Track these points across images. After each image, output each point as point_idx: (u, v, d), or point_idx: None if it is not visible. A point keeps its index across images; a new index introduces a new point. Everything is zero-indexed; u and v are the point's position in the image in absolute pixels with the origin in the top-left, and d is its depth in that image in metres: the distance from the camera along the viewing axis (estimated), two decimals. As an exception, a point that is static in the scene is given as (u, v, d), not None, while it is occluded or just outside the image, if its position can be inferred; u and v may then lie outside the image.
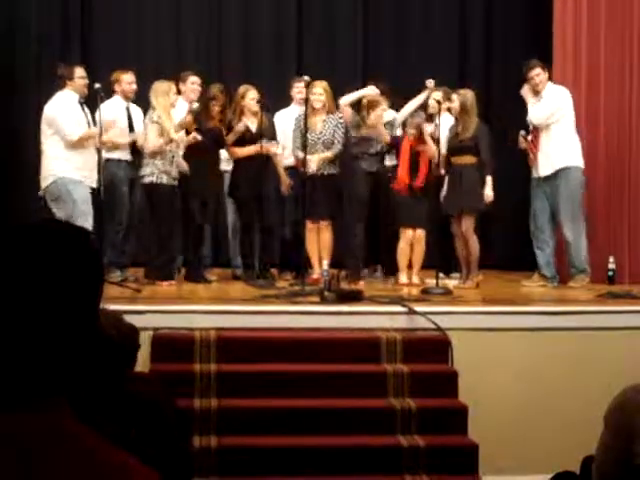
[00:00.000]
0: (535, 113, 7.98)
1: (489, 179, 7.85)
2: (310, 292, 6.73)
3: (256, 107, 8.09)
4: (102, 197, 7.51)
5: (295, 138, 8.22)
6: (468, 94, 8.02)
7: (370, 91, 8.32)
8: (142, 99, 8.09)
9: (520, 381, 5.97)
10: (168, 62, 9.72)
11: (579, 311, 6.39)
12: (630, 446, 2.65)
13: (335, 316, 6.13)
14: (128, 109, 8.28)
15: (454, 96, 8.13)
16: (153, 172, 7.59)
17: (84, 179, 7.56)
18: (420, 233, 7.94)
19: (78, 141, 7.55)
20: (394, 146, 8.14)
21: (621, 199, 8.40)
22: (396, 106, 8.48)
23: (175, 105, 7.95)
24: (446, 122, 8.15)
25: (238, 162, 8.17)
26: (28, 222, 1.24)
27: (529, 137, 8.13)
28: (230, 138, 8.06)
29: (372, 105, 8.17)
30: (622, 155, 8.41)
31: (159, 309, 6.08)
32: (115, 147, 8.06)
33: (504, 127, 8.75)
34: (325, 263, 7.39)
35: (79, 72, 7.78)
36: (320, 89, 8.07)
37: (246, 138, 8.05)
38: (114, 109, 8.10)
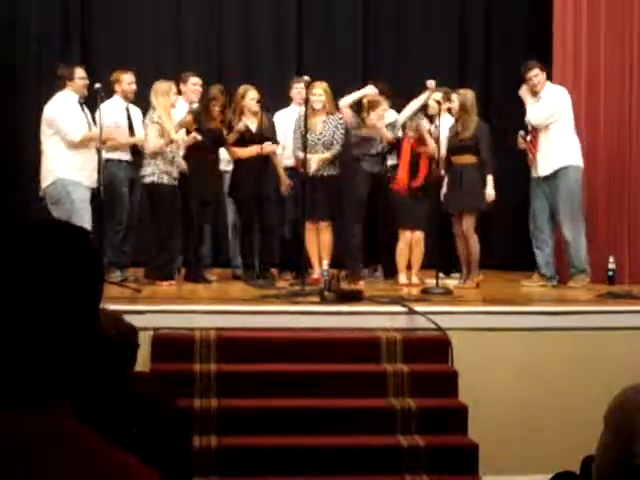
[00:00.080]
0: (534, 114, 7.98)
1: (490, 178, 7.85)
2: (310, 292, 6.73)
3: (256, 107, 8.09)
4: (102, 197, 7.50)
5: (295, 139, 8.22)
6: (468, 94, 8.02)
7: (369, 91, 8.32)
8: (142, 99, 8.09)
9: (520, 381, 5.97)
10: (168, 62, 9.72)
11: (579, 311, 6.39)
12: (630, 446, 2.65)
13: (335, 316, 6.13)
14: (128, 109, 8.28)
15: (454, 96, 8.14)
16: (154, 172, 7.59)
17: (84, 179, 7.56)
18: (419, 235, 7.94)
19: (80, 142, 7.55)
20: (395, 146, 8.13)
21: (621, 199, 8.40)
22: (396, 107, 8.48)
23: (175, 105, 7.95)
24: (446, 123, 8.15)
25: (238, 162, 8.17)
26: (28, 222, 1.24)
27: (528, 137, 8.13)
28: (231, 138, 8.06)
29: (372, 105, 8.17)
30: (622, 155, 8.41)
31: (159, 309, 6.08)
32: (115, 148, 8.06)
33: (504, 127, 8.75)
34: (325, 263, 7.39)
35: (79, 72, 7.78)
36: (320, 90, 8.07)
37: (246, 138, 8.05)
38: (114, 109, 8.10)
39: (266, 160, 8.07)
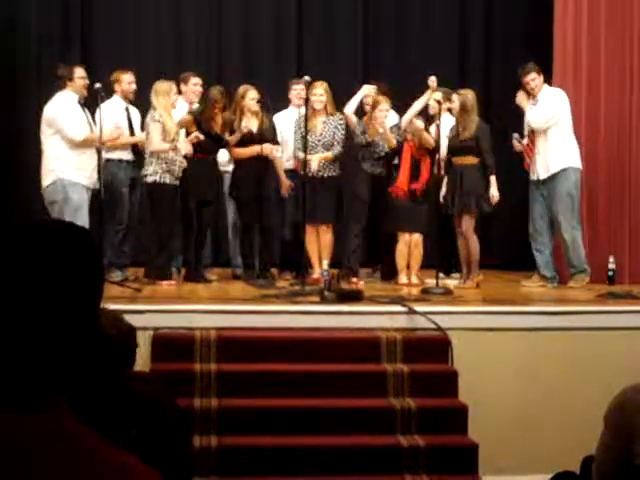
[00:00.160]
0: (534, 117, 7.95)
1: (493, 179, 7.86)
2: (310, 292, 6.73)
3: (256, 107, 8.09)
4: (102, 197, 7.50)
5: (296, 140, 8.22)
6: (468, 94, 8.02)
7: (366, 90, 8.32)
8: (142, 99, 8.09)
9: (520, 381, 5.97)
10: (168, 62, 9.71)
11: (579, 311, 6.39)
12: (630, 446, 2.66)
13: (335, 316, 6.13)
14: (127, 109, 8.27)
15: (454, 96, 8.14)
16: (156, 171, 7.58)
17: (84, 180, 7.56)
18: (417, 238, 7.95)
19: (82, 142, 7.55)
20: (398, 152, 8.12)
21: (621, 200, 8.40)
22: (395, 108, 8.47)
23: (176, 106, 7.95)
24: (447, 123, 8.15)
25: (238, 162, 8.16)
26: (29, 222, 1.24)
27: (524, 140, 8.12)
28: (232, 139, 8.05)
29: (374, 105, 8.18)
30: (622, 155, 8.41)
31: (159, 309, 6.08)
32: (115, 147, 8.06)
33: (504, 127, 8.75)
34: (325, 263, 7.38)
35: (79, 72, 7.77)
36: (321, 90, 8.07)
37: (246, 139, 8.04)
38: (113, 109, 8.10)
39: (266, 161, 8.07)
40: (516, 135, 8.15)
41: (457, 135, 7.98)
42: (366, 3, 10.48)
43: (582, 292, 7.49)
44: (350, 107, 8.28)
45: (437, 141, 7.88)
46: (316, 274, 7.83)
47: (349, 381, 5.66)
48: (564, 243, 7.93)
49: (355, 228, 8.21)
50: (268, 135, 8.11)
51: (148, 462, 1.20)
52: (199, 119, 7.90)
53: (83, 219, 7.35)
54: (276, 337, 5.89)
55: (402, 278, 7.96)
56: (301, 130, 7.94)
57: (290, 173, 8.40)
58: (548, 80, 8.17)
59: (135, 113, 8.31)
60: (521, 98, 8.09)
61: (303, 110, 8.33)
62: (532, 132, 8.08)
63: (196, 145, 7.73)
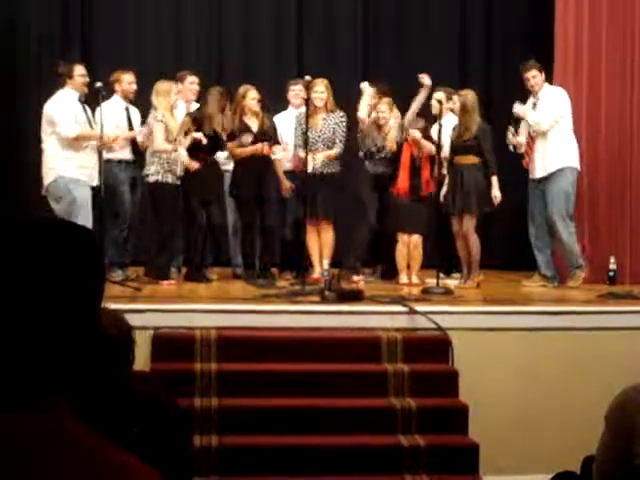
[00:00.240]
0: (539, 119, 7.92)
1: (495, 179, 7.86)
2: (310, 291, 6.73)
3: (257, 107, 8.09)
4: (102, 196, 7.50)
5: (296, 137, 8.23)
6: (469, 94, 8.02)
7: (368, 90, 8.31)
8: (142, 99, 8.09)
9: (520, 381, 5.97)
10: (168, 62, 9.70)
11: (580, 311, 6.39)
12: (630, 446, 2.65)
13: (335, 316, 6.13)
14: (127, 109, 8.27)
15: (455, 97, 8.15)
16: (158, 171, 7.59)
17: (85, 178, 7.56)
18: (417, 238, 7.95)
19: (75, 140, 7.53)
20: (398, 152, 8.12)
21: (622, 199, 8.39)
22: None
23: (177, 105, 7.95)
24: (450, 122, 8.16)
25: (239, 162, 8.16)
26: (30, 219, 1.23)
27: (520, 137, 8.08)
28: (232, 146, 8.04)
29: (376, 103, 8.22)
30: (623, 155, 8.41)
31: (159, 308, 6.08)
32: (109, 148, 8.03)
33: (505, 127, 8.73)
34: (325, 263, 7.38)
35: (79, 70, 7.77)
36: (322, 87, 8.07)
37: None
38: (113, 109, 8.09)
39: (267, 160, 8.07)
40: (511, 129, 8.12)
41: (459, 135, 7.98)
42: (366, 3, 10.48)
43: (583, 292, 7.49)
44: (363, 111, 8.29)
45: (439, 141, 7.89)
46: (316, 274, 7.83)
47: (349, 381, 5.66)
48: (559, 242, 7.91)
49: (362, 227, 8.23)
50: (269, 135, 8.11)
51: (148, 462, 1.20)
52: (198, 120, 7.89)
53: (87, 215, 7.36)
54: (276, 337, 5.89)
55: (402, 278, 7.96)
56: (302, 127, 7.95)
57: (290, 174, 8.40)
58: (549, 79, 8.16)
59: (135, 113, 8.31)
60: (519, 108, 8.05)
61: (302, 110, 8.34)
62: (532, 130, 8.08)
63: (196, 145, 7.73)
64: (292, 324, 6.05)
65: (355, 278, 7.95)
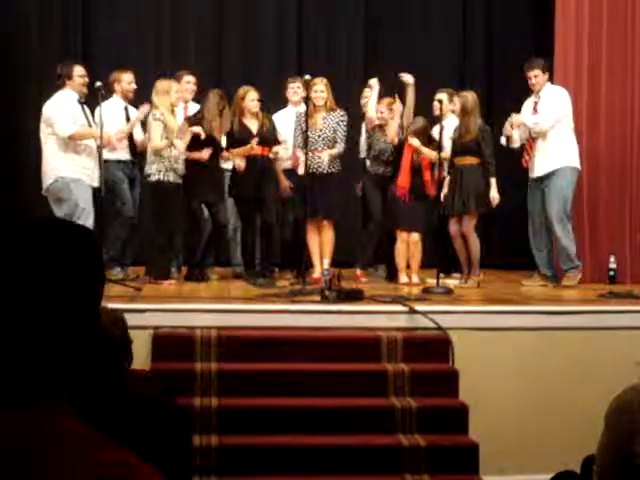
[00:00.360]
0: (539, 119, 7.90)
1: (493, 181, 7.86)
2: (311, 291, 6.73)
3: (256, 108, 8.09)
4: (102, 195, 7.50)
5: (296, 136, 8.23)
6: (469, 96, 8.03)
7: (377, 85, 8.30)
8: (142, 99, 8.09)
9: (521, 381, 5.96)
10: (168, 62, 9.71)
11: (580, 311, 6.38)
12: (630, 446, 2.66)
13: (336, 315, 6.13)
14: (126, 109, 8.27)
15: (455, 98, 8.16)
16: (160, 170, 7.59)
17: (86, 178, 7.56)
18: (415, 237, 7.95)
19: (72, 139, 7.53)
20: (399, 150, 8.12)
21: (622, 198, 8.39)
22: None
23: (177, 104, 7.95)
24: (451, 123, 8.16)
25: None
26: (30, 220, 1.23)
27: (515, 131, 8.06)
28: (235, 152, 8.06)
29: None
30: (624, 154, 8.41)
31: (160, 308, 6.08)
32: (113, 148, 8.04)
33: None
34: (326, 262, 7.39)
35: (78, 70, 7.77)
36: (322, 86, 8.07)
37: (246, 140, 8.02)
38: (113, 109, 8.09)
39: (266, 159, 8.07)
40: (510, 119, 8.07)
41: (460, 136, 7.99)
42: (366, 3, 10.49)
43: (583, 292, 7.49)
44: (372, 110, 8.29)
45: (440, 142, 7.90)
46: (317, 273, 7.83)
47: (350, 380, 5.66)
48: (556, 240, 7.90)
49: (371, 226, 8.35)
50: (269, 136, 8.11)
51: (148, 461, 1.20)
52: (196, 123, 7.90)
53: (90, 214, 7.37)
54: (277, 336, 5.89)
55: (403, 277, 7.97)
56: (301, 126, 7.95)
57: (289, 173, 8.42)
58: (549, 79, 8.15)
59: (134, 113, 8.30)
60: (515, 119, 8.01)
61: (300, 108, 8.35)
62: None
63: (195, 139, 7.75)
64: (292, 324, 6.05)
65: (358, 272, 8.08)
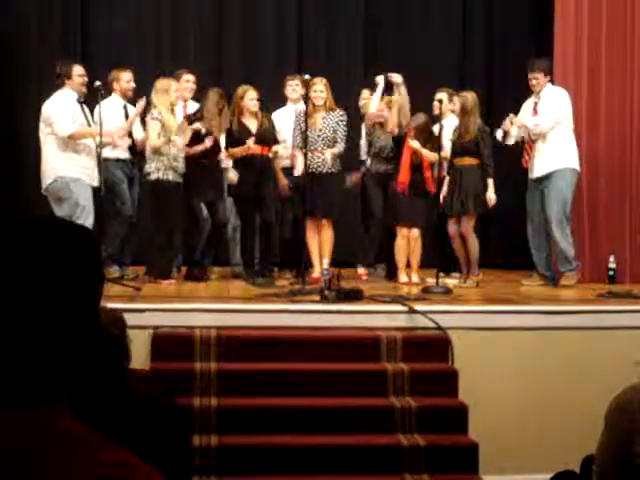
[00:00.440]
0: (539, 121, 7.89)
1: (491, 182, 7.86)
2: (310, 291, 6.73)
3: (255, 107, 8.09)
4: (102, 194, 7.50)
5: (295, 136, 8.23)
6: (469, 96, 8.03)
7: (381, 80, 8.29)
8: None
9: (520, 380, 5.96)
10: (168, 61, 9.71)
11: (579, 310, 6.38)
12: (630, 446, 2.66)
13: (335, 315, 6.13)
14: (126, 107, 8.27)
15: (455, 98, 8.16)
16: (159, 168, 7.58)
17: (85, 177, 7.56)
18: (415, 232, 7.96)
19: (72, 138, 7.53)
20: (400, 143, 8.12)
21: (622, 199, 8.39)
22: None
23: (177, 103, 7.95)
24: (451, 123, 8.17)
25: (237, 162, 8.16)
26: (30, 219, 1.23)
27: (511, 125, 8.05)
28: (233, 151, 8.06)
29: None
30: (623, 155, 8.40)
31: (159, 307, 6.08)
32: (114, 145, 8.05)
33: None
34: (325, 262, 7.39)
35: (77, 70, 7.77)
36: (321, 86, 8.07)
37: (245, 139, 8.03)
38: (112, 108, 8.09)
39: (266, 159, 8.07)
40: (511, 117, 8.07)
41: (459, 137, 7.99)
42: (366, 3, 10.48)
43: (582, 291, 7.49)
44: (373, 106, 8.31)
45: (440, 141, 7.90)
46: (316, 273, 7.83)
47: (349, 380, 5.66)
48: (554, 240, 7.88)
49: (372, 227, 8.41)
50: (268, 135, 8.11)
51: (148, 461, 1.20)
52: (196, 121, 7.91)
53: (88, 215, 7.36)
54: (276, 336, 5.89)
55: (402, 277, 7.97)
56: (301, 126, 7.95)
57: (288, 171, 8.43)
58: (550, 80, 8.15)
59: (133, 111, 8.30)
60: (516, 121, 8.00)
61: (300, 106, 8.35)
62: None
63: (196, 135, 7.77)
64: (292, 323, 6.05)
65: (361, 271, 8.17)
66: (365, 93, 8.73)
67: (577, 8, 8.45)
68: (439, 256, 7.98)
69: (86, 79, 7.75)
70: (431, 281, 7.49)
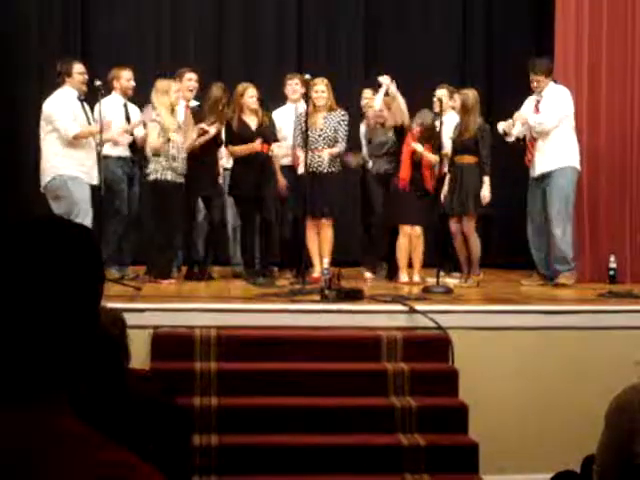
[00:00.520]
0: (542, 119, 7.88)
1: (487, 179, 7.86)
2: (310, 290, 6.73)
3: (255, 105, 8.09)
4: (102, 194, 7.50)
5: (295, 136, 8.23)
6: (470, 93, 8.03)
7: (386, 80, 8.28)
8: (142, 97, 8.10)
9: (521, 380, 5.96)
10: (168, 60, 9.71)
11: (580, 310, 6.38)
12: (630, 446, 2.66)
13: (336, 315, 6.13)
14: (126, 106, 8.27)
15: (456, 95, 8.16)
16: (157, 169, 7.60)
17: (83, 175, 7.56)
18: (418, 230, 7.95)
19: (76, 138, 7.54)
20: (401, 136, 8.11)
21: (623, 198, 8.39)
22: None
23: (178, 104, 7.95)
24: (451, 120, 8.16)
25: (238, 160, 8.16)
26: (29, 218, 1.23)
27: (514, 125, 8.05)
28: (237, 149, 8.07)
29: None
30: (624, 153, 8.40)
31: (159, 307, 6.08)
32: (115, 143, 8.05)
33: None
34: (326, 261, 7.39)
35: (78, 68, 7.77)
36: (322, 86, 8.07)
37: (246, 137, 8.04)
38: (112, 106, 8.09)
39: (266, 158, 8.07)
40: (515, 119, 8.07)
41: (459, 134, 7.99)
42: (366, 3, 10.48)
43: (582, 291, 7.48)
44: (377, 105, 8.30)
45: (440, 139, 7.90)
46: (316, 273, 7.83)
47: (349, 380, 5.66)
48: (553, 239, 7.87)
49: (373, 227, 8.44)
50: (268, 133, 8.11)
51: (148, 461, 1.20)
52: (199, 115, 7.93)
53: (88, 211, 7.37)
54: (276, 336, 5.89)
55: (403, 277, 7.96)
56: (301, 126, 7.95)
57: (287, 170, 8.43)
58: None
59: (133, 110, 8.31)
60: (517, 116, 7.99)
61: (300, 105, 8.35)
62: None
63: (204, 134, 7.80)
64: (292, 323, 6.05)
65: (367, 276, 8.18)
66: (367, 93, 8.72)
67: (578, 7, 8.45)
68: (440, 255, 7.98)
69: (86, 77, 7.76)
70: (432, 281, 7.49)
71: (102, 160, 7.59)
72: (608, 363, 5.89)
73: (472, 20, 10.59)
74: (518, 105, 8.22)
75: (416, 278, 7.91)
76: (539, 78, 7.92)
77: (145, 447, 1.91)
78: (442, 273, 7.85)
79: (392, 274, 8.25)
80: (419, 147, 7.90)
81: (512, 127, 7.99)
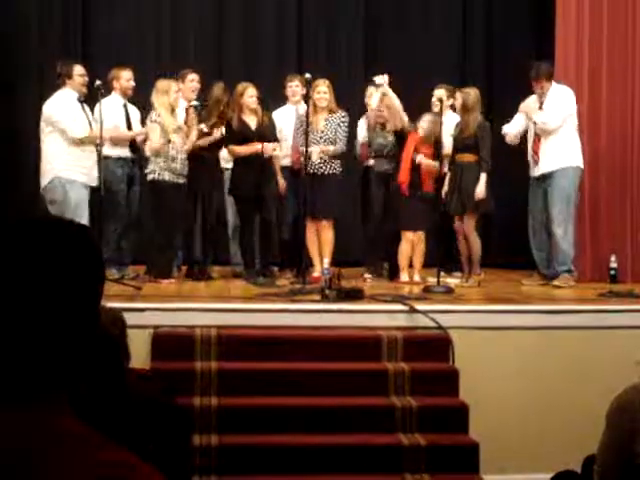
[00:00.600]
0: (546, 119, 7.88)
1: (483, 177, 7.84)
2: (311, 290, 6.73)
3: (255, 105, 8.09)
4: (102, 194, 7.50)
5: (296, 137, 8.23)
6: (471, 92, 8.03)
7: (381, 80, 8.28)
8: (142, 97, 8.10)
9: (521, 380, 5.96)
10: (168, 61, 9.71)
11: (580, 310, 6.38)
12: (631, 446, 2.65)
13: (336, 314, 6.13)
14: (126, 106, 8.27)
15: (457, 94, 8.16)
16: (155, 170, 7.61)
17: (82, 177, 7.56)
18: (420, 234, 7.95)
19: (83, 142, 7.55)
20: (402, 139, 8.11)
21: (623, 197, 8.38)
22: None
23: (177, 104, 7.95)
24: (450, 120, 8.16)
25: (238, 160, 8.16)
26: (29, 218, 1.23)
27: (520, 124, 8.04)
28: (238, 149, 8.08)
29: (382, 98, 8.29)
30: (625, 153, 8.40)
31: (160, 307, 6.08)
32: (115, 143, 8.05)
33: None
34: (326, 261, 7.38)
35: (78, 70, 7.78)
36: (324, 87, 8.07)
37: (246, 137, 8.03)
38: (112, 107, 8.09)
39: (266, 159, 8.07)
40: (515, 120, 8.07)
41: (460, 133, 7.99)
42: (366, 3, 10.48)
43: (583, 291, 7.48)
44: (374, 101, 8.32)
45: (441, 142, 7.91)
46: (317, 272, 7.83)
47: (350, 380, 5.66)
48: (554, 238, 7.86)
49: (368, 227, 8.43)
50: (268, 133, 8.10)
51: (148, 461, 1.20)
52: (200, 115, 7.93)
53: (83, 217, 7.36)
54: (277, 335, 5.89)
55: (404, 276, 7.96)
56: (302, 127, 7.95)
57: (286, 170, 8.42)
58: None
59: (133, 110, 8.31)
60: (523, 108, 8.00)
61: (300, 106, 8.35)
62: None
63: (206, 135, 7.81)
64: (292, 323, 6.05)
65: (366, 277, 8.15)
66: (371, 90, 8.72)
67: (578, 10, 8.44)
68: (444, 254, 7.98)
69: (87, 79, 7.76)
70: (432, 280, 7.48)
71: (102, 160, 7.59)
72: (609, 363, 5.89)
73: (472, 20, 10.59)
74: (518, 105, 8.21)
75: (417, 278, 7.91)
76: (543, 85, 7.90)
77: (145, 447, 1.91)
78: (443, 273, 7.85)
79: (393, 274, 8.25)
80: (422, 159, 7.90)
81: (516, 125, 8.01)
